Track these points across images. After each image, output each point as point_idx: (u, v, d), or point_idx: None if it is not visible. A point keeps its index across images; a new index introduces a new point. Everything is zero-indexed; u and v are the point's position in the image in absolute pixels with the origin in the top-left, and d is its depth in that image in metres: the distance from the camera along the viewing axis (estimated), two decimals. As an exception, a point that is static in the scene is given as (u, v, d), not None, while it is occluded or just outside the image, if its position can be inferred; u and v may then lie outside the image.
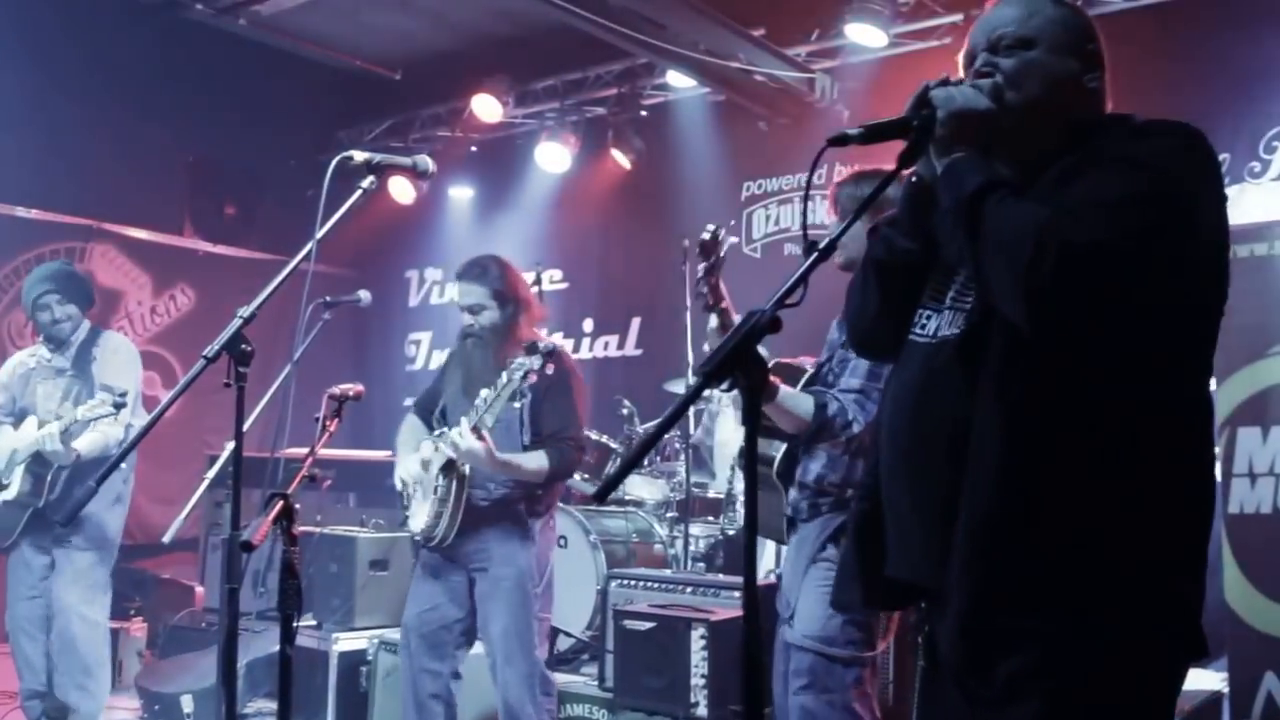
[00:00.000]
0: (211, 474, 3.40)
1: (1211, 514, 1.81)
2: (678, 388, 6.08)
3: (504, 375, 3.73)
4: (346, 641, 5.05)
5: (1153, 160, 1.75)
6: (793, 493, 3.27)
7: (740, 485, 5.38)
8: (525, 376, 3.67)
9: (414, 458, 4.05)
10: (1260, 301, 4.03)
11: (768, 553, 4.91)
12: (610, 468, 5.78)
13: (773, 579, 3.95)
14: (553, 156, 7.83)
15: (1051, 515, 1.71)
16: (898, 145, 1.87)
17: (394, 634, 4.45)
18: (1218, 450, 2.96)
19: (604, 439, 5.83)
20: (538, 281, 6.24)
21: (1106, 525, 1.70)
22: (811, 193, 2.16)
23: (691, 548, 5.45)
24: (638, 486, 5.93)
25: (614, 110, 7.70)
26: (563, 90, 7.89)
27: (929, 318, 1.94)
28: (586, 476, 5.78)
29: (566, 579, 5.07)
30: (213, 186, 8.71)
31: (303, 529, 2.59)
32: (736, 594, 4.36)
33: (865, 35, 6.40)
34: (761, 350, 1.70)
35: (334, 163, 2.82)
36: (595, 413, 6.81)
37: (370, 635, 5.06)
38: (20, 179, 7.34)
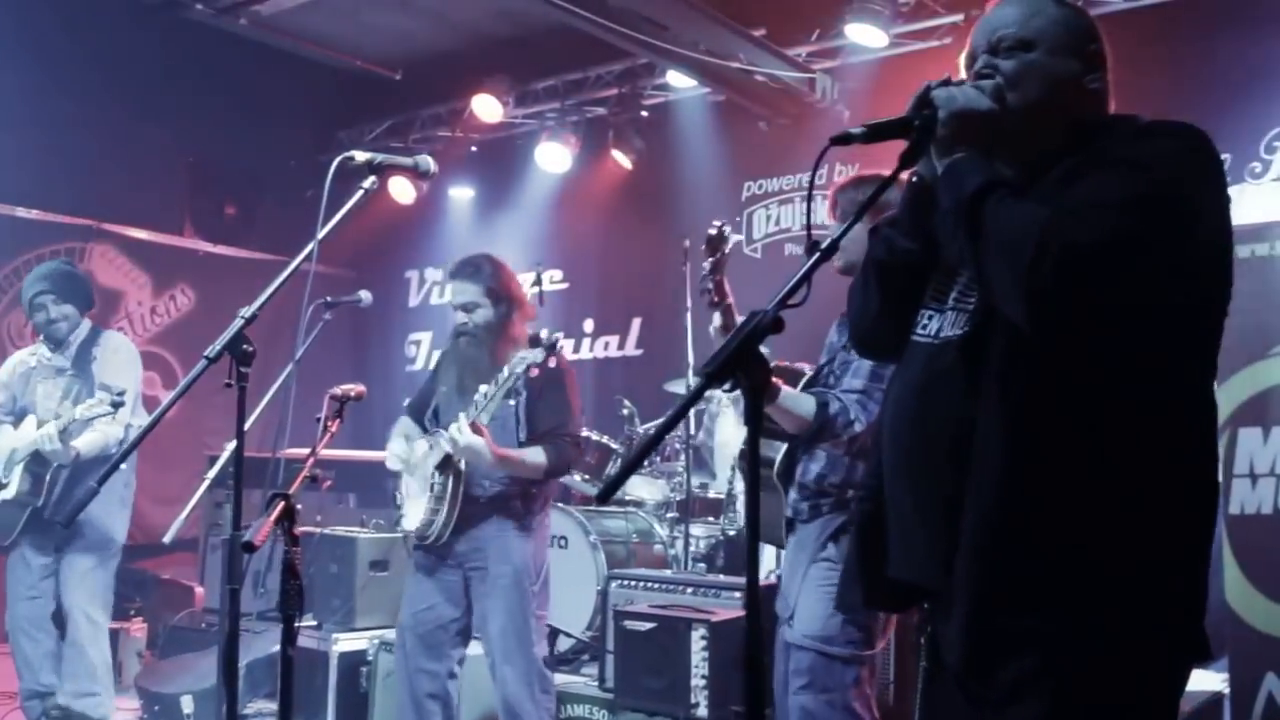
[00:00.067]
0: (212, 474, 3.40)
1: (1214, 515, 1.81)
2: (678, 388, 6.07)
3: (505, 369, 3.74)
4: (346, 642, 5.05)
5: (1155, 161, 1.75)
6: (792, 494, 3.26)
7: (741, 485, 5.38)
8: (529, 369, 3.68)
9: (400, 442, 4.05)
10: (1261, 302, 4.03)
11: (768, 554, 4.90)
12: (611, 468, 5.78)
13: (773, 579, 3.95)
14: (553, 156, 7.83)
15: (1054, 516, 1.70)
16: (899, 145, 1.87)
17: (394, 634, 4.45)
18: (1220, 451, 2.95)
19: (604, 439, 5.82)
20: (538, 282, 6.24)
21: (1108, 526, 1.70)
22: (814, 192, 2.16)
23: (692, 548, 5.44)
24: (638, 487, 5.92)
25: (614, 110, 7.70)
26: (563, 90, 7.88)
27: (931, 318, 1.94)
28: (587, 477, 5.78)
29: (567, 579, 5.07)
30: (213, 186, 8.71)
31: (303, 529, 2.59)
32: (737, 594, 4.36)
33: (866, 35, 6.40)
34: (763, 350, 1.70)
35: (335, 163, 2.82)
36: (596, 413, 6.85)
37: (370, 636, 5.06)
38: (20, 179, 7.34)
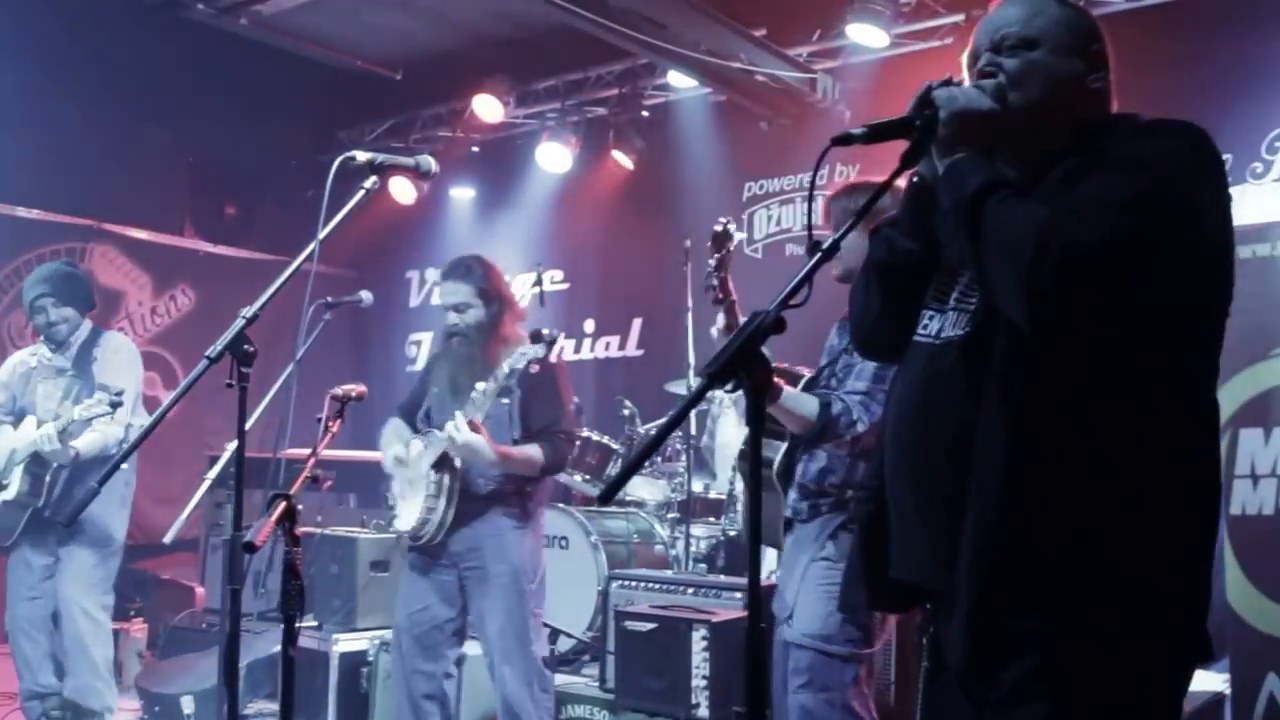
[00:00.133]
0: (213, 474, 3.39)
1: (1216, 515, 1.81)
2: (679, 388, 6.07)
3: (506, 365, 3.74)
4: (347, 642, 5.04)
5: (1156, 160, 1.75)
6: (792, 494, 3.27)
7: (741, 486, 5.38)
8: (529, 365, 3.69)
9: (398, 445, 4.06)
10: (1262, 303, 4.03)
11: (769, 554, 4.90)
12: (612, 469, 5.78)
13: (773, 580, 3.95)
14: (554, 157, 7.83)
15: (1055, 516, 1.70)
16: (901, 145, 1.87)
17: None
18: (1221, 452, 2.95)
19: (605, 440, 5.82)
20: (539, 282, 6.24)
21: (1109, 526, 1.70)
22: (815, 193, 2.16)
23: (693, 549, 5.44)
24: (639, 487, 5.92)
25: (615, 110, 7.70)
26: (564, 90, 7.88)
27: (932, 318, 1.94)
28: (588, 478, 5.78)
29: (568, 580, 5.07)
30: (213, 187, 8.71)
31: (304, 530, 2.58)
32: (738, 595, 4.36)
33: (867, 35, 6.39)
34: (765, 351, 1.70)
35: (336, 163, 2.82)
36: (597, 414, 6.85)
37: (371, 636, 5.05)
38: (21, 179, 7.33)
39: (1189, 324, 1.79)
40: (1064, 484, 1.71)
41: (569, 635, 5.12)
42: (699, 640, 4.04)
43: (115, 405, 4.50)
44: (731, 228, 3.35)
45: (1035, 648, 1.72)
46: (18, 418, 4.86)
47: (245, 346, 2.53)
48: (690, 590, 4.54)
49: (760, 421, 1.70)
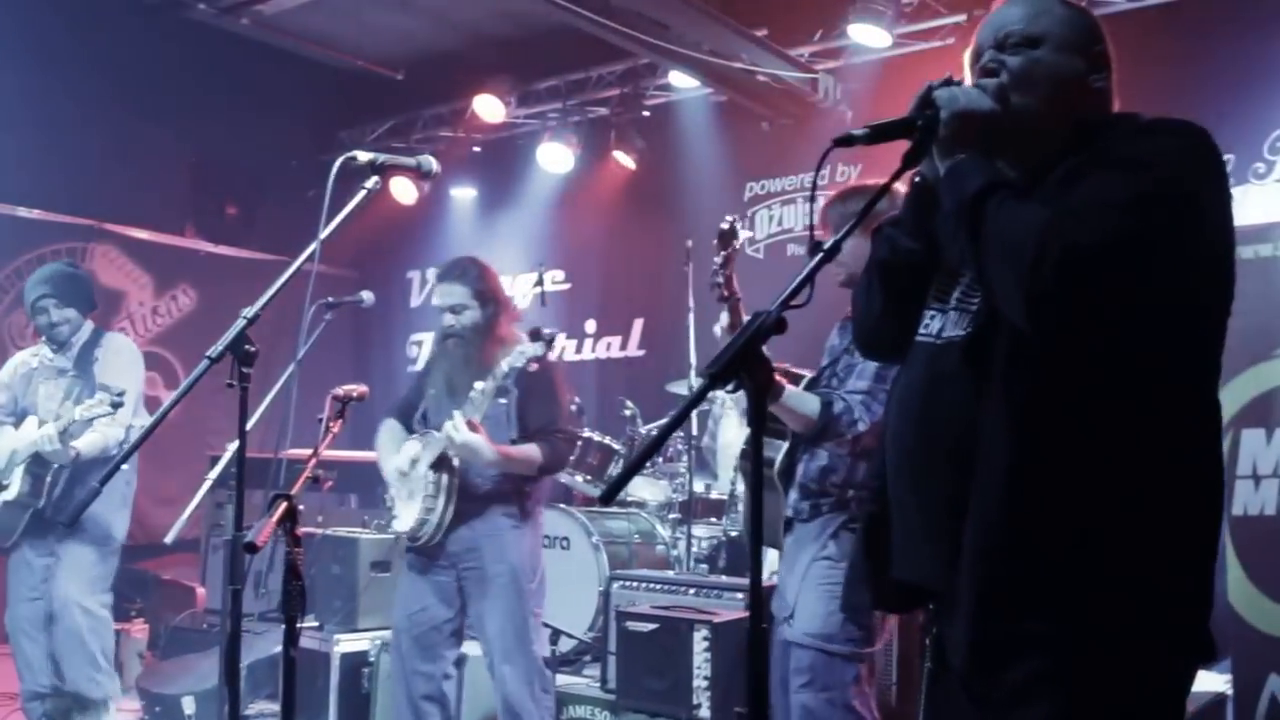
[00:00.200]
0: (214, 475, 3.39)
1: (1219, 516, 1.81)
2: (680, 389, 6.07)
3: (504, 364, 3.74)
4: (348, 643, 5.04)
5: (1157, 160, 1.74)
6: (792, 493, 3.26)
7: (743, 486, 5.38)
8: (528, 363, 3.69)
9: (400, 456, 4.05)
10: (1264, 303, 4.02)
11: (770, 555, 4.90)
12: (613, 469, 5.77)
13: (774, 580, 3.94)
14: (555, 157, 7.82)
15: (1057, 517, 1.70)
16: (902, 146, 1.86)
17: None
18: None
19: (607, 440, 5.82)
20: (540, 282, 6.24)
21: (1111, 527, 1.70)
22: (816, 193, 2.16)
23: (694, 549, 5.44)
24: (640, 488, 5.92)
25: (616, 110, 7.70)
26: (565, 90, 7.88)
27: (934, 318, 1.94)
28: (589, 478, 5.78)
29: (569, 580, 5.07)
30: (214, 186, 8.71)
31: (305, 530, 2.58)
32: (739, 595, 4.36)
33: (868, 36, 6.39)
34: (765, 351, 1.70)
35: (338, 163, 2.82)
36: (598, 414, 6.84)
37: (372, 636, 5.05)
38: (21, 179, 7.34)
39: (1191, 324, 1.78)
40: (1066, 484, 1.71)
41: (570, 636, 5.11)
42: (700, 641, 4.03)
43: (116, 406, 4.50)
44: (738, 225, 3.35)
45: (1037, 648, 1.72)
46: (19, 418, 4.86)
47: (246, 346, 2.53)
48: (692, 591, 4.54)
49: (761, 421, 1.71)
